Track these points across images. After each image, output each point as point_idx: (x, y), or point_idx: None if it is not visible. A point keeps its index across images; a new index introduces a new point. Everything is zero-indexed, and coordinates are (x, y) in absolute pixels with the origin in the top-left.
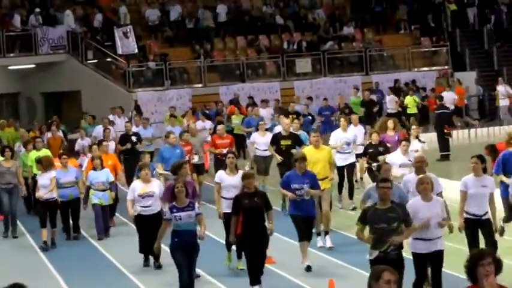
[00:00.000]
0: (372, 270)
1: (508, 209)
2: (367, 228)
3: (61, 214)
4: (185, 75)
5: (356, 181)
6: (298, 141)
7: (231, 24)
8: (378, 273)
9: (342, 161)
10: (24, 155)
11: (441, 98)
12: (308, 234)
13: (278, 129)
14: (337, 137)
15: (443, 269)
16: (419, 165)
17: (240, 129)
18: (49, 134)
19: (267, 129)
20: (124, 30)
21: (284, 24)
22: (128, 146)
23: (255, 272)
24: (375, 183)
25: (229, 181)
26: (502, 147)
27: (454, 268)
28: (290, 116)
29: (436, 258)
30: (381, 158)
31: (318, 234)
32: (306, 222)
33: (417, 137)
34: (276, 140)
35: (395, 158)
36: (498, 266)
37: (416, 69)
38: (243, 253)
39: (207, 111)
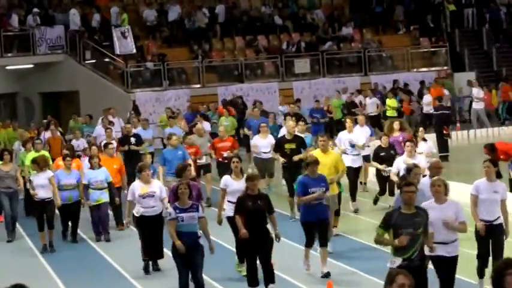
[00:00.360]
0: (387, 273)
1: None
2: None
3: (60, 216)
4: (183, 76)
5: (361, 183)
6: (303, 145)
7: (229, 25)
8: (392, 277)
9: (349, 162)
10: (23, 154)
11: (440, 99)
12: (323, 238)
13: (282, 132)
14: (342, 138)
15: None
16: (436, 171)
17: (230, 132)
18: (47, 134)
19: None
20: (122, 31)
21: (283, 24)
22: (126, 147)
23: (253, 273)
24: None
25: (235, 186)
26: (502, 147)
27: (463, 273)
28: (292, 118)
29: (450, 263)
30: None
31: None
32: (321, 227)
33: (424, 139)
34: (279, 144)
35: (401, 162)
36: None
37: (415, 70)
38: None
39: (190, 113)
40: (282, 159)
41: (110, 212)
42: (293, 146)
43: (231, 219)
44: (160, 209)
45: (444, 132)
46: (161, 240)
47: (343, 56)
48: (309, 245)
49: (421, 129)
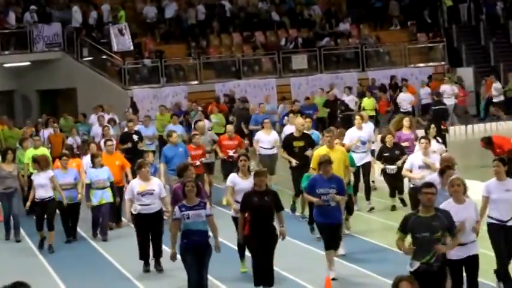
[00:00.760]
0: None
1: None
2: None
3: (61, 216)
4: (181, 72)
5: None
6: (311, 142)
7: (226, 21)
8: (395, 284)
9: (357, 160)
10: (20, 153)
11: (438, 94)
12: (334, 241)
13: (288, 130)
14: (352, 135)
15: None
16: (447, 166)
17: (218, 129)
18: (46, 132)
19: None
20: (119, 28)
21: (280, 20)
22: (129, 145)
23: (261, 272)
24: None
25: (243, 185)
26: (498, 141)
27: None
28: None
29: (471, 264)
30: (399, 162)
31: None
32: (333, 230)
33: (435, 137)
34: (288, 142)
35: (415, 159)
36: None
37: (412, 66)
38: (245, 255)
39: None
40: (294, 161)
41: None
42: (301, 143)
43: (236, 220)
44: (158, 207)
45: (442, 127)
46: (160, 239)
47: (341, 51)
48: (328, 247)
49: (432, 126)
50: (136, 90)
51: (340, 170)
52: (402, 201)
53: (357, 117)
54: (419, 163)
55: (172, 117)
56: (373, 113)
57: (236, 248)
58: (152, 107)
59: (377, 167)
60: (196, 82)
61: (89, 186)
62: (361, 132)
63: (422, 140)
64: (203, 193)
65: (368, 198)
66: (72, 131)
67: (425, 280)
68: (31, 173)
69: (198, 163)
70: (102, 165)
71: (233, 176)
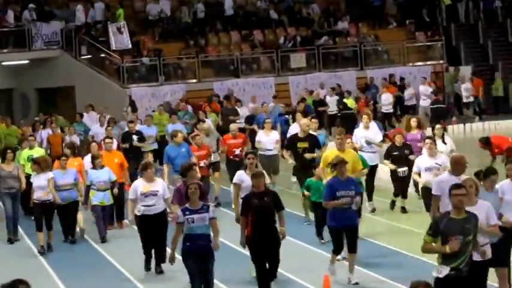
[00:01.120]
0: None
1: None
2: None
3: (59, 217)
4: (179, 71)
5: None
6: (316, 144)
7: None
8: None
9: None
10: (18, 153)
11: (436, 93)
12: (352, 245)
13: (293, 129)
14: (358, 135)
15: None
16: (459, 168)
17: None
18: (44, 133)
19: (242, 130)
20: (118, 26)
21: (278, 19)
22: (126, 145)
23: (264, 277)
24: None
25: (250, 182)
26: (497, 141)
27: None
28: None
29: (481, 268)
30: (411, 157)
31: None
32: (350, 233)
33: (442, 137)
34: (291, 142)
35: (421, 161)
36: None
37: (411, 64)
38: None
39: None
40: (291, 160)
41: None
42: (306, 144)
43: None
44: (162, 208)
45: (441, 126)
46: (164, 241)
47: (339, 50)
48: (336, 251)
49: (437, 126)
50: (135, 88)
51: (351, 172)
52: (403, 208)
53: (365, 116)
54: (426, 165)
55: (170, 116)
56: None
57: (239, 249)
58: (151, 106)
59: (386, 165)
60: (194, 81)
61: (88, 188)
62: (367, 132)
63: (427, 141)
64: (206, 195)
65: (370, 198)
66: (69, 130)
67: (456, 286)
68: (28, 174)
69: (202, 164)
70: (102, 166)
71: (240, 173)
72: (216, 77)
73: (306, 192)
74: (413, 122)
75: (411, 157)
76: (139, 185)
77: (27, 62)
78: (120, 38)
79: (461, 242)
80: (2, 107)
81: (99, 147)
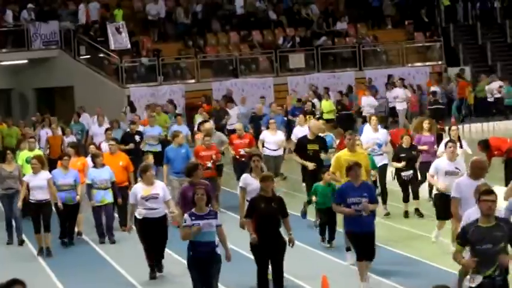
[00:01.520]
0: None
1: None
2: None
3: (59, 218)
4: (178, 71)
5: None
6: (325, 146)
7: (224, 20)
8: None
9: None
10: (16, 154)
11: (434, 94)
12: (369, 252)
13: (299, 131)
14: (367, 137)
15: None
16: (479, 172)
17: None
18: (43, 132)
19: (234, 131)
20: (116, 26)
21: (277, 19)
22: (131, 145)
23: (264, 281)
24: None
25: (256, 185)
26: (497, 143)
27: None
28: (308, 117)
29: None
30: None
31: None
32: (365, 239)
33: (459, 140)
34: (302, 145)
35: (440, 164)
36: None
37: (410, 65)
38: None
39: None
40: (311, 165)
41: (115, 214)
42: (316, 147)
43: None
44: (163, 212)
45: (439, 127)
46: (164, 244)
47: (338, 51)
48: (360, 258)
49: (453, 128)
50: (134, 88)
51: (363, 174)
52: (417, 211)
53: (373, 118)
54: (447, 168)
55: (176, 117)
56: (331, 116)
57: (245, 253)
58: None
59: (392, 168)
60: (193, 81)
61: (90, 186)
62: (377, 135)
63: (450, 144)
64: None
65: (384, 202)
66: (67, 131)
67: None
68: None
69: (209, 164)
70: (103, 165)
71: (246, 177)
72: (215, 77)
73: (314, 198)
74: (425, 124)
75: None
76: (139, 189)
77: (25, 61)
78: (119, 38)
79: (491, 251)
80: (0, 107)
81: (98, 149)
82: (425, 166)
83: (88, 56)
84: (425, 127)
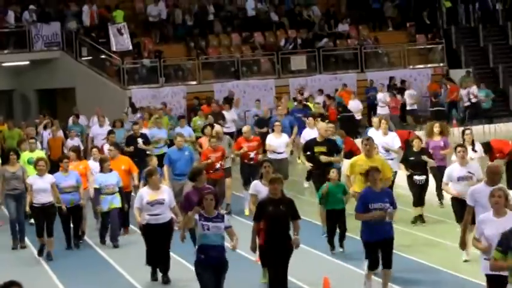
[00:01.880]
0: None
1: None
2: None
3: (61, 221)
4: (180, 73)
5: None
6: (335, 148)
7: (226, 21)
8: None
9: None
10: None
11: (436, 96)
12: (387, 259)
13: (307, 133)
14: (376, 141)
15: None
16: (495, 177)
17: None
18: (46, 133)
19: (230, 134)
20: (118, 27)
21: (279, 21)
22: (131, 148)
23: (278, 284)
24: None
25: (266, 192)
26: (499, 145)
27: None
28: (316, 119)
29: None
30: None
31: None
32: (386, 247)
33: (472, 144)
34: (309, 147)
35: (453, 171)
36: None
37: (411, 67)
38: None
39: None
40: (307, 164)
41: None
42: (323, 149)
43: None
44: (169, 217)
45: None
46: (168, 251)
47: (340, 52)
48: (372, 267)
49: (467, 132)
50: (135, 90)
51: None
52: (421, 217)
53: (383, 122)
54: (459, 174)
55: (179, 119)
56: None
57: (250, 258)
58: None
59: (402, 172)
60: (195, 82)
61: (98, 192)
62: (385, 139)
63: (459, 149)
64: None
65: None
66: (71, 134)
67: None
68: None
69: (218, 166)
70: (110, 170)
71: (256, 184)
72: (217, 78)
73: (324, 190)
74: (436, 128)
75: (430, 163)
76: (145, 194)
77: (27, 63)
78: (120, 40)
79: None
80: (2, 108)
81: (101, 152)
82: (435, 170)
83: (90, 58)
84: (436, 131)
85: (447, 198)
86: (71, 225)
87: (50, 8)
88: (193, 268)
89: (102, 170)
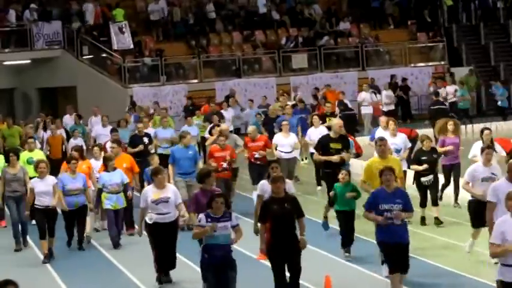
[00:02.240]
0: None
1: None
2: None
3: (66, 223)
4: (181, 71)
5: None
6: (347, 145)
7: (227, 20)
8: None
9: None
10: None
11: (437, 94)
12: (402, 264)
13: (312, 132)
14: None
15: None
16: None
17: (202, 131)
18: (45, 134)
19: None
20: (119, 26)
21: (280, 19)
22: (141, 147)
23: (282, 283)
24: None
25: None
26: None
27: None
28: (328, 118)
29: None
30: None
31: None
32: (397, 250)
33: (491, 143)
34: (323, 143)
35: (476, 171)
36: None
37: (412, 65)
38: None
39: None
40: (334, 157)
41: None
42: (339, 146)
43: None
44: (175, 216)
45: None
46: (174, 250)
47: (341, 51)
48: (392, 270)
49: (486, 132)
50: (136, 88)
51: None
52: (436, 219)
53: (391, 123)
54: (483, 175)
55: (186, 119)
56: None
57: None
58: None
59: (413, 169)
60: (196, 81)
61: (100, 191)
62: (395, 140)
63: (487, 151)
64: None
65: None
66: (74, 133)
67: None
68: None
69: (225, 165)
70: (115, 169)
71: (263, 183)
72: (218, 77)
73: (331, 193)
74: (450, 125)
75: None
76: (150, 192)
77: (28, 61)
78: (121, 38)
79: None
80: (3, 106)
81: (104, 151)
82: (449, 169)
83: (91, 56)
84: (450, 128)
85: (462, 199)
86: (75, 227)
87: (51, 7)
88: (198, 269)
89: (106, 169)
